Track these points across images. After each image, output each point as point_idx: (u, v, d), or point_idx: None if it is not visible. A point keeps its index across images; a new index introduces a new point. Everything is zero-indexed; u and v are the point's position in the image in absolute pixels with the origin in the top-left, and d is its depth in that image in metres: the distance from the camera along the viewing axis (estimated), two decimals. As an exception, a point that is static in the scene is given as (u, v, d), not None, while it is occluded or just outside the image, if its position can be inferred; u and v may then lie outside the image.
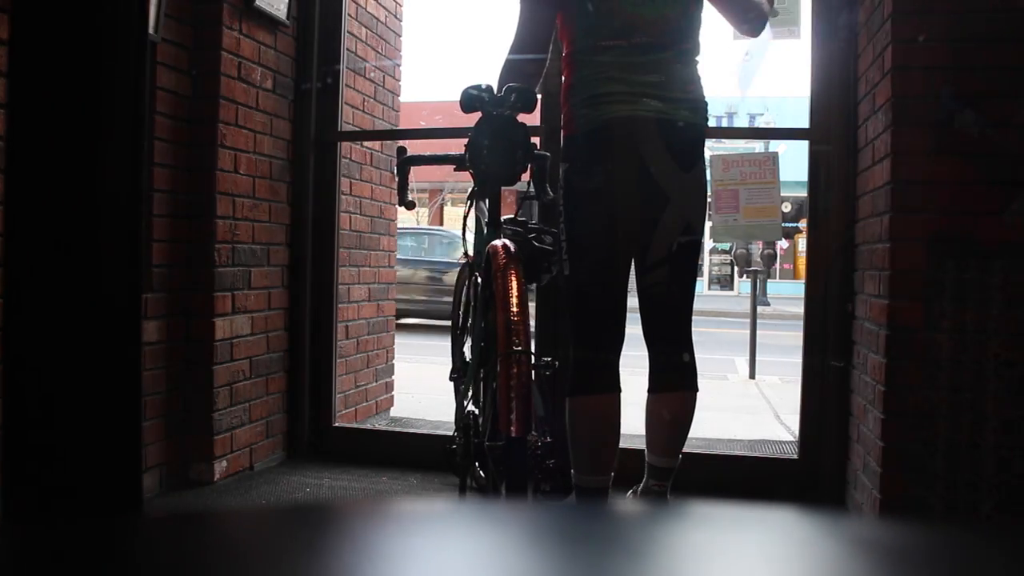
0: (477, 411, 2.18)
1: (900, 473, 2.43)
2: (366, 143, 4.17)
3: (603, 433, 2.28)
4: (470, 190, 2.35)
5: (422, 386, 5.42)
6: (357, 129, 4.04)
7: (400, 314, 4.43)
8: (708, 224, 3.60)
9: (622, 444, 2.43)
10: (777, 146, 7.41)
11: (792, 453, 3.42)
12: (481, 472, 2.25)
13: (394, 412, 4.48)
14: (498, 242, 2.00)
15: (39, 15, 1.13)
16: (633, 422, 2.69)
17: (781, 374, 6.91)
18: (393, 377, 4.53)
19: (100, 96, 1.15)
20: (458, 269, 2.68)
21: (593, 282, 2.29)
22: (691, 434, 4.29)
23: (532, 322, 2.15)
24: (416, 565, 0.37)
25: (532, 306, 2.62)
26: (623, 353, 2.37)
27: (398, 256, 4.63)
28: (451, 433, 2.35)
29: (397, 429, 4.07)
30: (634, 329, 2.43)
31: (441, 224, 25.70)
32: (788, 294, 17.16)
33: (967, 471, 2.37)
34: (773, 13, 2.41)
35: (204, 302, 3.06)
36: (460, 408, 2.37)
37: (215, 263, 3.06)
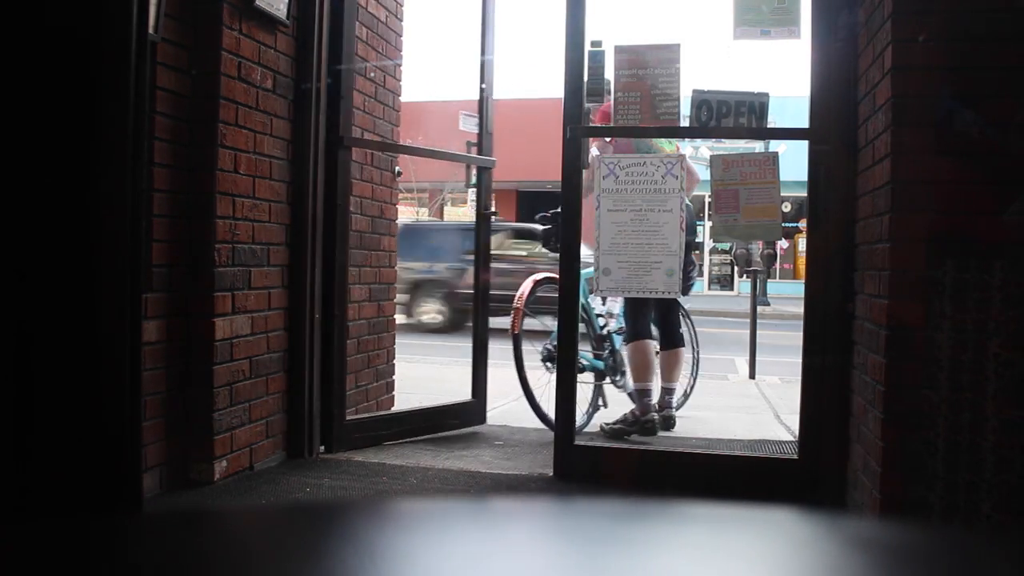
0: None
1: (900, 473, 2.42)
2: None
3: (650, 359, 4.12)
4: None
5: (422, 386, 5.41)
6: (363, 132, 4.03)
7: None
8: (708, 224, 4.05)
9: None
10: (777, 146, 7.40)
11: (792, 453, 3.42)
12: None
13: (395, 412, 4.48)
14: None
15: (39, 14, 1.13)
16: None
17: (781, 374, 6.89)
18: (394, 377, 4.53)
19: (100, 96, 1.15)
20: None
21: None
22: (691, 434, 4.31)
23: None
24: (416, 565, 0.37)
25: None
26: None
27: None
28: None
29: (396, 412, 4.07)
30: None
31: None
32: (788, 294, 17.13)
33: (967, 471, 2.37)
34: None
35: (204, 302, 3.06)
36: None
37: (215, 263, 3.06)
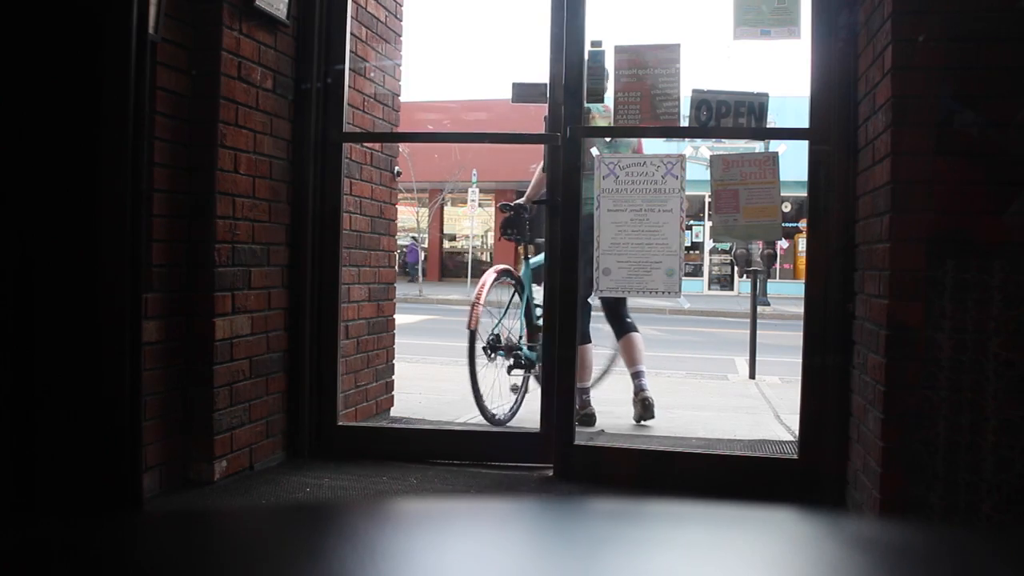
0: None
1: (900, 473, 2.43)
2: (366, 143, 4.16)
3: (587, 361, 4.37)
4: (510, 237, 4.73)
5: (422, 386, 5.42)
6: (360, 131, 4.03)
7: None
8: (708, 224, 4.07)
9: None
10: (777, 146, 7.41)
11: (792, 453, 3.42)
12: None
13: (394, 412, 4.49)
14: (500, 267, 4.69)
15: (39, 14, 1.13)
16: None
17: (781, 374, 6.90)
18: (393, 377, 4.53)
19: (100, 96, 1.15)
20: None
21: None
22: (691, 434, 4.31)
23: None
24: (416, 565, 0.37)
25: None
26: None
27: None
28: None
29: (398, 427, 4.07)
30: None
31: (441, 224, 25.64)
32: (788, 294, 17.15)
33: (967, 471, 2.37)
34: None
35: (204, 302, 3.06)
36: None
37: (215, 263, 3.06)
